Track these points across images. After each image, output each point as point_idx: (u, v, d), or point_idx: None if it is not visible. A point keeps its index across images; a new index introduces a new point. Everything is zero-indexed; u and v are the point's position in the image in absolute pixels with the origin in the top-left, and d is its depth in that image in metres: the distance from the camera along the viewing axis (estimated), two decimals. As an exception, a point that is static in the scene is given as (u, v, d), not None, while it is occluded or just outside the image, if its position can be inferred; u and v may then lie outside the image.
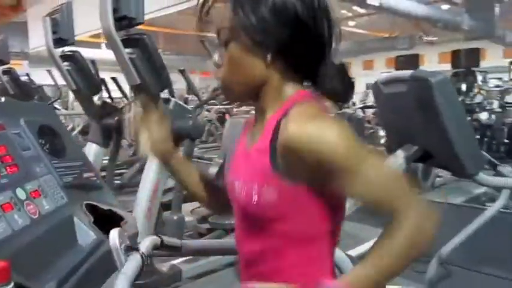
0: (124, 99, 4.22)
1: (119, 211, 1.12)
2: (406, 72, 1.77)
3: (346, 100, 0.82)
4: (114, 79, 4.14)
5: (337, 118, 0.74)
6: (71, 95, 8.38)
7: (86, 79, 2.70)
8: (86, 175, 1.09)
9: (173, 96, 2.43)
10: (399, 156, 1.95)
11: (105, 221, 1.05)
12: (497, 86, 7.81)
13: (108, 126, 2.75)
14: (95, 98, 2.86)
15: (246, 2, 0.77)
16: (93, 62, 2.95)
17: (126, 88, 3.94)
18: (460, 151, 1.62)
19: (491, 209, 2.10)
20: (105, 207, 1.09)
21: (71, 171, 1.04)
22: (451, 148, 1.64)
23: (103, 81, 3.27)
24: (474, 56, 5.27)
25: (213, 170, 3.98)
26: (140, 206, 2.19)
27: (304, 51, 0.77)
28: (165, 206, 2.61)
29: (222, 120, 8.60)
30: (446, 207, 3.46)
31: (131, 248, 0.84)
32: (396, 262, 0.70)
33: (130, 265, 0.80)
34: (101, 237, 0.98)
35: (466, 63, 5.09)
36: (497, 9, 9.14)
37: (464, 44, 10.34)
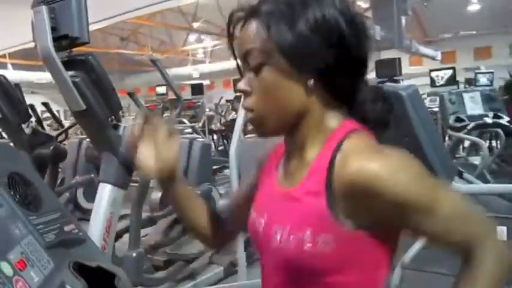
0: (58, 125, 3.83)
1: (108, 266, 0.95)
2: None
3: (386, 128, 0.74)
4: (45, 104, 3.74)
5: (397, 150, 0.66)
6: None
7: (12, 106, 2.38)
8: (66, 228, 0.91)
9: (120, 121, 2.22)
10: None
11: (96, 280, 0.88)
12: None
13: (43, 156, 2.45)
14: (24, 127, 2.53)
15: (282, 18, 0.65)
16: (17, 85, 2.61)
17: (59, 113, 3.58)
18: (433, 162, 1.64)
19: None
20: (93, 264, 0.92)
21: (51, 227, 0.86)
22: (424, 159, 1.66)
23: (32, 107, 2.92)
24: (394, 65, 5.62)
25: (157, 194, 3.76)
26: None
27: (348, 74, 0.68)
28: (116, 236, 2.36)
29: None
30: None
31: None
32: None
33: None
34: (100, 305, 0.81)
35: (388, 72, 5.40)
36: (403, 21, 9.88)
37: (376, 54, 11.12)
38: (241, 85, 0.72)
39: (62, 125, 3.73)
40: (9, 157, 0.91)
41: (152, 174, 0.80)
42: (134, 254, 2.02)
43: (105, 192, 2.06)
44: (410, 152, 1.76)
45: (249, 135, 3.61)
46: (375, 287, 0.67)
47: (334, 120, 0.70)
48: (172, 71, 15.20)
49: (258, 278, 0.81)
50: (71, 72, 1.90)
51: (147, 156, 0.79)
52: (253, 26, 0.68)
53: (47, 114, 4.50)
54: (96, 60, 1.95)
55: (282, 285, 0.71)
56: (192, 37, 16.49)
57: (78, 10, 1.83)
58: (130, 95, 2.67)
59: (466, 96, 4.05)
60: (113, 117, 2.18)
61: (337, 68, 0.66)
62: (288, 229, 0.68)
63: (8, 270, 0.66)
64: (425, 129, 1.64)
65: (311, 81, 0.66)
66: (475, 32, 12.26)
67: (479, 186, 1.78)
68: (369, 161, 0.61)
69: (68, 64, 1.91)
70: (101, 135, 2.08)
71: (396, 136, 1.75)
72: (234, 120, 8.49)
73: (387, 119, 0.74)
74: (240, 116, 2.19)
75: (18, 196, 0.82)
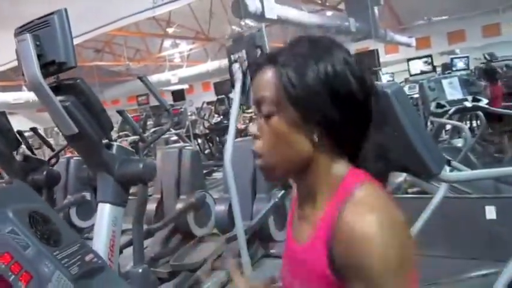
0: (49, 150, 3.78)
1: (130, 290, 0.98)
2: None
3: (386, 181, 0.76)
4: (34, 130, 3.69)
5: (396, 208, 0.66)
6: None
7: (1, 135, 2.37)
8: (87, 258, 0.94)
9: (112, 140, 2.23)
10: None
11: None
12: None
13: (37, 182, 2.44)
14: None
15: (294, 70, 0.68)
16: (2, 113, 2.59)
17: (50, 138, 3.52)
18: (423, 153, 1.70)
19: (438, 197, 2.25)
20: (115, 290, 0.95)
21: (74, 260, 0.88)
22: (414, 152, 1.72)
23: (20, 133, 2.90)
24: (373, 57, 5.72)
25: (151, 206, 3.76)
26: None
27: (353, 128, 0.70)
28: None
29: (137, 149, 8.20)
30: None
31: None
32: None
33: None
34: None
35: (368, 64, 5.50)
36: (376, 12, 10.02)
37: (351, 45, 11.22)
38: (253, 129, 0.74)
39: (52, 149, 3.69)
40: (25, 196, 0.93)
41: None
42: (140, 270, 2.04)
43: (105, 212, 2.08)
44: (396, 145, 1.81)
45: (237, 139, 3.65)
46: None
47: (341, 169, 0.71)
48: (151, 79, 15.08)
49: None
50: (60, 97, 1.92)
51: None
52: (268, 74, 0.71)
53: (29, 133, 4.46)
54: (84, 84, 1.97)
55: None
56: (167, 42, 16.39)
57: (63, 35, 1.84)
58: (120, 113, 2.68)
59: (444, 82, 4.16)
60: (105, 136, 2.20)
61: (343, 122, 0.68)
62: (300, 285, 0.72)
63: (46, 308, 0.69)
64: (412, 124, 1.70)
65: (316, 133, 0.68)
66: (447, 17, 12.49)
67: (469, 173, 1.85)
68: (358, 220, 0.62)
69: (57, 89, 1.92)
70: (95, 156, 2.10)
71: (382, 130, 1.81)
72: (218, 123, 8.53)
73: (386, 178, 0.74)
74: (232, 123, 2.22)
75: (39, 233, 0.85)
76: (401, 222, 0.64)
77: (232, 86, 2.19)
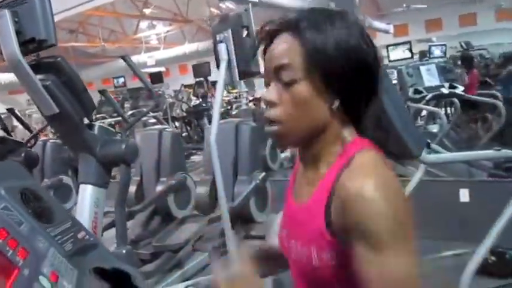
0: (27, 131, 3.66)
1: (123, 266, 0.99)
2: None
3: (387, 152, 0.78)
4: (10, 110, 3.56)
5: (394, 174, 0.68)
6: None
7: (-23, 115, 2.30)
8: (79, 236, 0.94)
9: (92, 120, 2.20)
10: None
11: (115, 281, 0.92)
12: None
13: (14, 163, 2.38)
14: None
15: (323, 41, 0.68)
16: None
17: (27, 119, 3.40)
18: (404, 135, 1.75)
19: (415, 179, 2.31)
20: (108, 266, 0.96)
21: (67, 237, 0.88)
22: (395, 134, 1.77)
23: (-4, 114, 2.81)
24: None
25: (131, 189, 3.73)
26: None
27: (365, 100, 0.72)
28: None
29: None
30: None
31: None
32: None
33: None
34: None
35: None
36: (356, -3, 10.03)
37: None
38: (271, 96, 0.73)
39: (30, 130, 3.58)
40: (15, 174, 0.92)
41: None
42: (124, 251, 2.04)
43: (87, 193, 2.06)
44: (384, 129, 1.86)
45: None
46: None
47: (347, 137, 0.73)
48: (127, 61, 14.74)
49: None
50: (40, 76, 1.86)
51: None
52: (290, 41, 0.71)
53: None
54: (65, 62, 1.92)
55: None
56: (144, 24, 16.05)
57: (43, 12, 1.78)
58: (102, 92, 2.62)
59: (422, 69, 4.24)
60: (87, 117, 2.16)
61: (360, 91, 0.71)
62: (299, 245, 0.74)
63: (46, 283, 0.69)
64: (395, 106, 1.73)
65: (337, 101, 0.70)
66: (425, 6, 12.66)
67: (448, 155, 1.92)
68: (360, 183, 0.63)
69: (37, 68, 1.87)
70: (76, 136, 2.06)
71: (370, 114, 1.85)
72: (196, 106, 8.46)
73: (385, 146, 0.78)
74: (217, 103, 2.21)
75: (32, 210, 0.85)
76: (397, 187, 0.66)
77: (217, 66, 2.18)
